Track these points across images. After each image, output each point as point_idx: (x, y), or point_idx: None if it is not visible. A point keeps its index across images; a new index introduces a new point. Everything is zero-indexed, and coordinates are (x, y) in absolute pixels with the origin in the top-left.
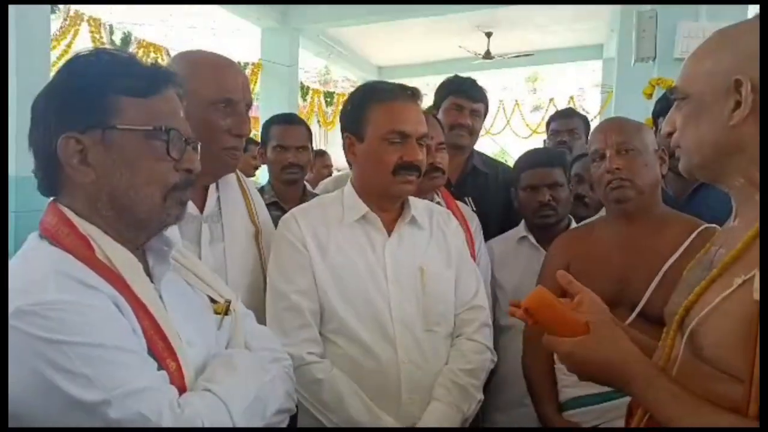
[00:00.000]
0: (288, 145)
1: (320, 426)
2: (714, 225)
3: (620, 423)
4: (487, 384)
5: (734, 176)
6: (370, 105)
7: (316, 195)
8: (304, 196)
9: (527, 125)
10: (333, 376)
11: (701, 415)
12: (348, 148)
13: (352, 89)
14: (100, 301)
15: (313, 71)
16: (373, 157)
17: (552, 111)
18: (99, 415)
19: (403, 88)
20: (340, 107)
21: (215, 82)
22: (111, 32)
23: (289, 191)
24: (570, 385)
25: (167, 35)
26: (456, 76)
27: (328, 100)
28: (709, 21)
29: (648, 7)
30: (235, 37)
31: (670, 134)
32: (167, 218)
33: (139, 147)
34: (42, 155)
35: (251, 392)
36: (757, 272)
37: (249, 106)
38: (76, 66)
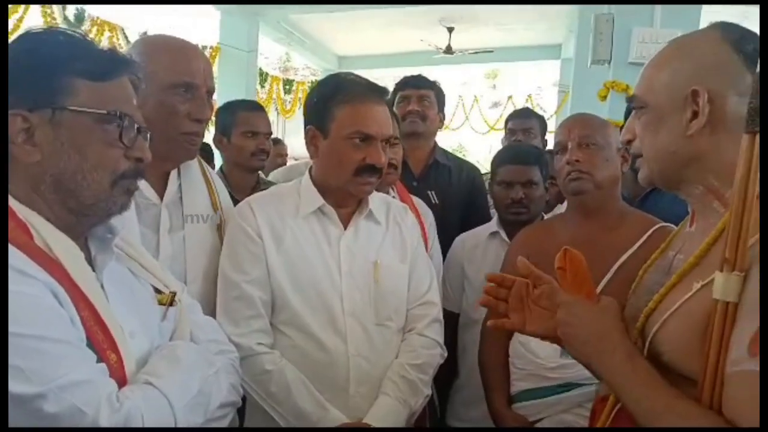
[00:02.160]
0: (259, 131)
1: (269, 419)
2: (670, 224)
3: (564, 417)
4: (451, 378)
5: (693, 184)
6: (337, 103)
7: (270, 184)
8: (257, 186)
9: (485, 121)
10: (282, 368)
11: (672, 397)
12: (310, 141)
13: (313, 77)
14: (36, 289)
15: (274, 57)
16: (336, 155)
17: (510, 108)
18: (33, 408)
19: (371, 87)
20: (299, 95)
21: (175, 65)
22: (63, 8)
23: (246, 180)
24: (520, 378)
25: (122, 14)
26: (404, 77)
27: (287, 87)
28: (663, 27)
29: (605, 9)
30: (193, 19)
31: (629, 141)
32: (113, 206)
33: (90, 131)
34: None
35: (194, 386)
36: (717, 276)
37: (211, 92)
38: (28, 43)
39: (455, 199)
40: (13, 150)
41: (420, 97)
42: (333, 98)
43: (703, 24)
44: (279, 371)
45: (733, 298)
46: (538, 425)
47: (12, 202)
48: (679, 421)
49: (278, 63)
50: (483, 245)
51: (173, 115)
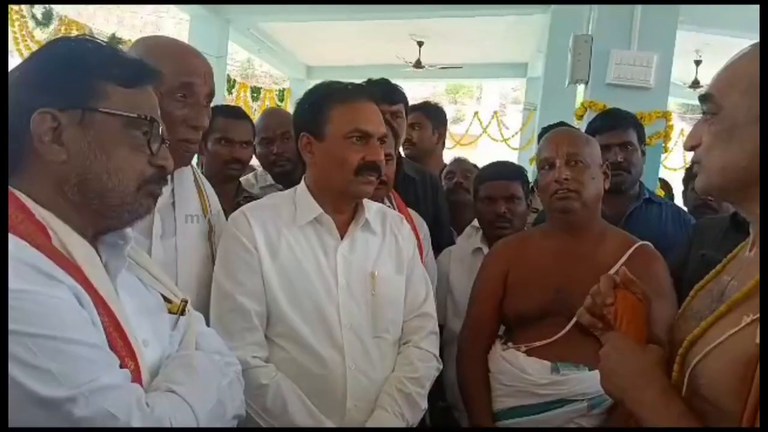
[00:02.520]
0: (233, 140)
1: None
2: (648, 243)
3: None
4: (437, 388)
5: (756, 204)
6: (331, 104)
7: (251, 193)
8: (239, 194)
9: (451, 136)
10: (277, 382)
11: None
12: (304, 148)
13: (275, 86)
14: (62, 292)
15: (234, 64)
16: (335, 156)
17: (476, 124)
18: (63, 412)
19: (362, 88)
20: (267, 103)
21: (176, 66)
22: (31, 6)
23: (224, 189)
24: (506, 395)
25: (91, 13)
26: (369, 81)
27: (255, 95)
28: (640, 50)
29: (583, 30)
30: (163, 21)
31: (693, 148)
32: (139, 208)
33: (118, 134)
34: (11, 132)
35: (213, 395)
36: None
37: (210, 97)
38: (60, 47)
39: (423, 210)
40: (39, 149)
41: (393, 114)
42: (326, 101)
43: (679, 46)
44: (275, 385)
45: None
46: None
47: (29, 203)
48: None
49: (239, 70)
50: (468, 261)
51: (170, 121)
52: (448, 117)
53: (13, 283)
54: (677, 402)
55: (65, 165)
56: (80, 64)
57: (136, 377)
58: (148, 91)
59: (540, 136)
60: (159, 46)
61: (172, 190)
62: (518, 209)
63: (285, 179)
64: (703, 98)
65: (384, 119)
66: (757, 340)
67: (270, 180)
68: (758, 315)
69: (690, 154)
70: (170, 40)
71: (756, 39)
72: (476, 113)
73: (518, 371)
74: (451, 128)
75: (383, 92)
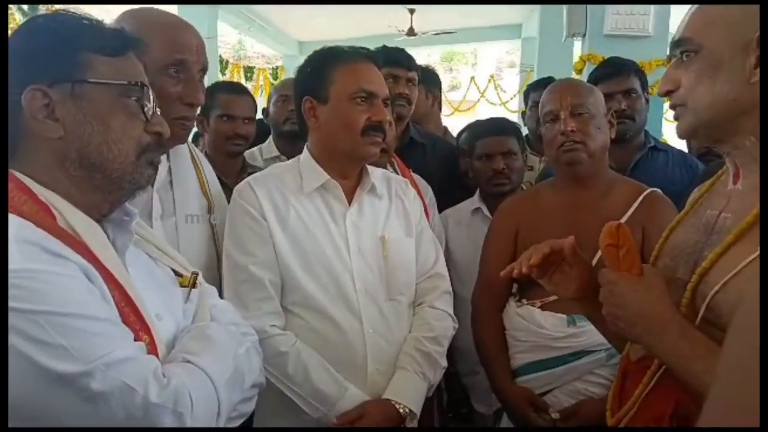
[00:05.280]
0: (235, 115)
1: (286, 400)
2: (657, 189)
3: (576, 386)
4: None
5: (745, 136)
6: (334, 65)
7: (256, 167)
8: (244, 169)
9: (449, 103)
10: (297, 349)
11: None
12: (307, 112)
13: (267, 65)
14: (71, 269)
15: (226, 45)
16: (340, 117)
17: (474, 90)
18: (80, 387)
19: (363, 51)
20: (260, 83)
21: (167, 42)
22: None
23: (228, 164)
24: (523, 351)
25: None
26: (384, 47)
27: (248, 75)
28: None
29: None
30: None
31: (669, 92)
32: (140, 178)
33: (111, 103)
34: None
35: (230, 364)
36: None
37: (204, 71)
38: (36, 25)
39: (431, 175)
40: (35, 127)
41: (408, 80)
42: (328, 63)
43: None
44: (295, 352)
45: None
46: (550, 396)
47: (32, 185)
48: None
49: (231, 51)
50: (466, 222)
51: (164, 98)
52: (444, 85)
53: (20, 263)
54: (699, 338)
55: (63, 140)
56: (62, 38)
57: (152, 351)
58: (132, 58)
59: (526, 93)
60: (148, 18)
61: (169, 168)
62: (516, 165)
63: (291, 143)
64: (678, 42)
65: (400, 84)
66: None
67: (275, 152)
68: None
69: None
70: (159, 12)
71: None
72: (473, 78)
73: (534, 326)
74: (449, 95)
75: (401, 58)
